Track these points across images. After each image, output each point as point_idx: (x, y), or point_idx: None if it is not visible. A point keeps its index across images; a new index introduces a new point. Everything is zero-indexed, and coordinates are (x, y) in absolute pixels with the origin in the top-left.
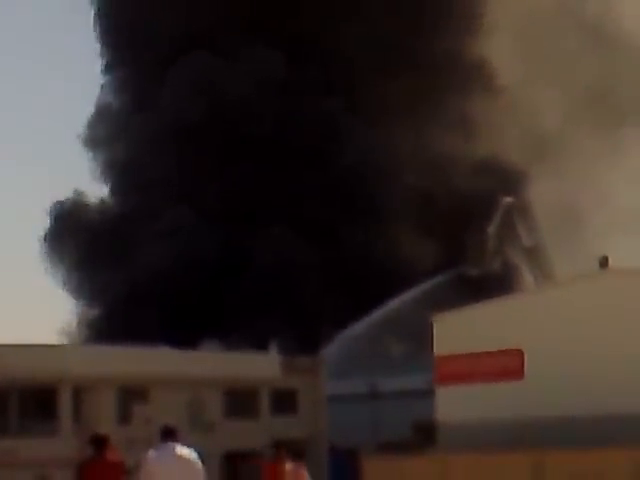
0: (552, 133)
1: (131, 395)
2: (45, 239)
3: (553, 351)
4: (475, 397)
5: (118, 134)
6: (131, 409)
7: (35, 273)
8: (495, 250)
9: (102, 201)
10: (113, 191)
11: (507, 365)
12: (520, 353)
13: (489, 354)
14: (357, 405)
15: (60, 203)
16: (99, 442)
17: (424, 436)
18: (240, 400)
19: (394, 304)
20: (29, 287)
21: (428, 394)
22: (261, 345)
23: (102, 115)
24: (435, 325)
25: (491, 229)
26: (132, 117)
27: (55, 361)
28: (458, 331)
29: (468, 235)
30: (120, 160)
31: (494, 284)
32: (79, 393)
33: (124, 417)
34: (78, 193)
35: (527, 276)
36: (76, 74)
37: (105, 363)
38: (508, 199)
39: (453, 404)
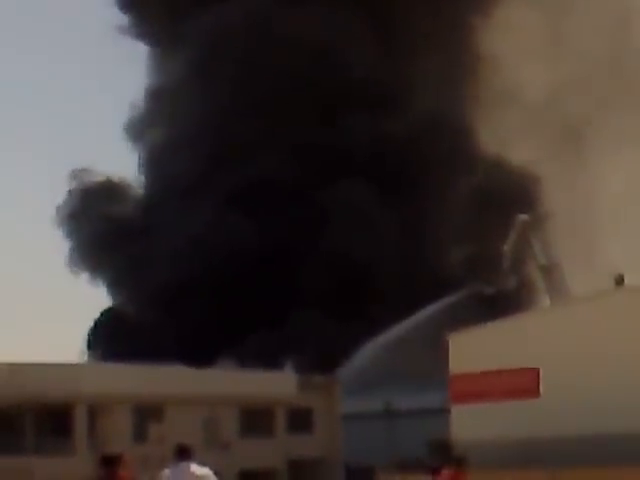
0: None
1: (146, 414)
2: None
3: (569, 369)
4: (491, 415)
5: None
6: (146, 428)
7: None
8: (511, 268)
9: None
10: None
11: (523, 383)
12: (536, 371)
13: (505, 372)
14: (373, 423)
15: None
16: (109, 462)
17: (440, 454)
18: (256, 418)
19: (410, 322)
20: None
21: (444, 412)
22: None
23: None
24: (451, 343)
25: (506, 247)
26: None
27: (70, 380)
28: (474, 349)
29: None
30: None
31: (510, 302)
32: (94, 412)
33: (139, 436)
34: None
35: (543, 294)
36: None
37: (120, 382)
38: (524, 216)
39: (469, 422)
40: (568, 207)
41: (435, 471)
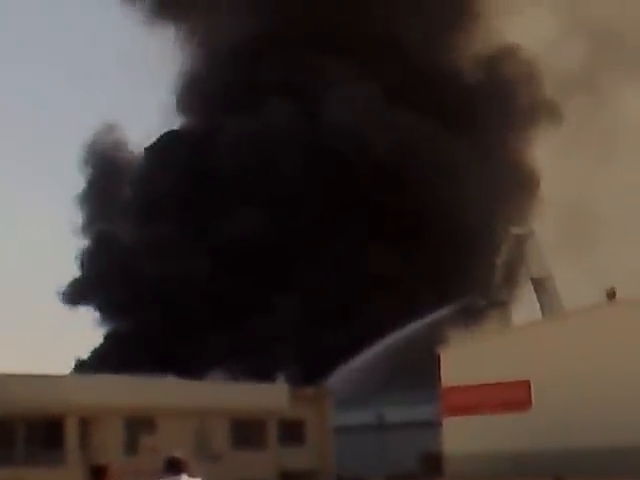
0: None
1: (138, 425)
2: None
3: (560, 382)
4: (482, 428)
5: None
6: (138, 439)
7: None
8: (503, 281)
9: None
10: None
11: (514, 396)
12: (527, 384)
13: (496, 385)
14: (365, 435)
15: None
16: (98, 473)
17: (431, 467)
18: (247, 430)
19: (402, 335)
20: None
21: (435, 425)
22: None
23: None
24: (442, 356)
25: (499, 260)
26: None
27: (62, 391)
28: (465, 362)
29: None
30: None
31: (501, 315)
32: (86, 423)
33: (131, 447)
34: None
35: (535, 307)
36: None
37: (111, 393)
38: (517, 229)
39: (460, 435)
40: (564, 211)
41: None
